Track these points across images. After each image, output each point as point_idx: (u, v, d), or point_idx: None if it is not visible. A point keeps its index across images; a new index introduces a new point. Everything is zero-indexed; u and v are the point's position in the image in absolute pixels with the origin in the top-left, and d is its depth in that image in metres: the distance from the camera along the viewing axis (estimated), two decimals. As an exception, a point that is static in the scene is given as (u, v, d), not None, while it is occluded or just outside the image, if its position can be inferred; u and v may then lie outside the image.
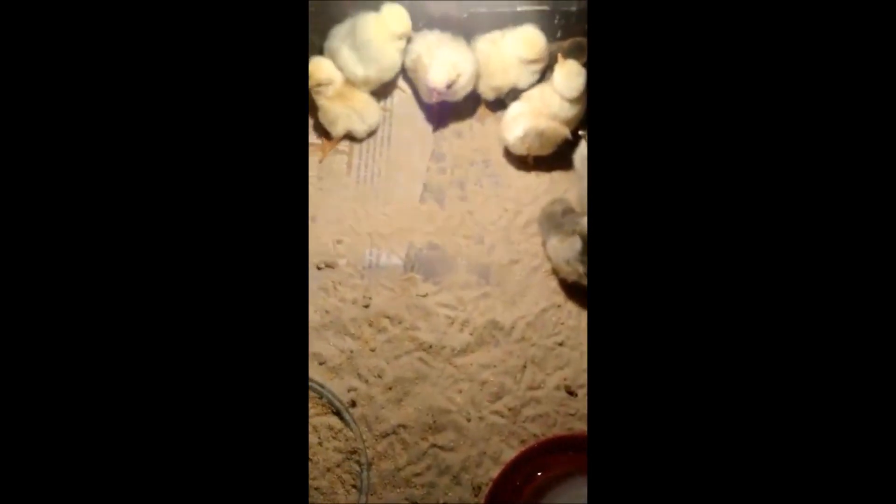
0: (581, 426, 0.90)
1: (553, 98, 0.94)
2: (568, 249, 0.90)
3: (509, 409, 0.91)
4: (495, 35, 0.98)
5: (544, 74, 0.99)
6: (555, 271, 0.96)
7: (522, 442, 0.88)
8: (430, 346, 0.94)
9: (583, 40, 0.97)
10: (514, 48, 0.96)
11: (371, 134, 1.05)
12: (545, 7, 0.95)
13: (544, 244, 0.96)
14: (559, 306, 0.97)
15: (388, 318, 0.95)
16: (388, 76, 1.02)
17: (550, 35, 1.00)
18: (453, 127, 1.08)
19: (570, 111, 0.95)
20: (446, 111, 1.06)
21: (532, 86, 0.99)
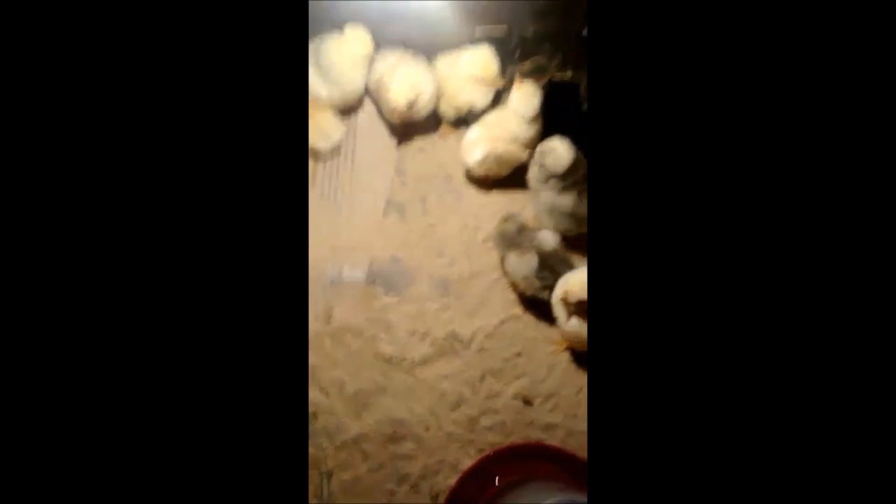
0: (537, 434, 0.93)
1: (510, 120, 0.98)
2: (525, 265, 0.94)
3: (467, 419, 0.93)
4: (454, 55, 1.02)
5: (501, 96, 1.03)
6: (513, 286, 0.99)
7: (480, 450, 0.91)
8: (391, 358, 0.96)
9: (541, 60, 1.01)
10: (470, 68, 1.00)
11: (334, 150, 1.08)
12: (502, 31, 0.99)
13: (502, 260, 0.99)
14: (517, 318, 1.00)
15: (349, 331, 0.97)
16: (351, 97, 1.06)
17: (509, 57, 1.04)
18: (416, 143, 1.11)
19: (527, 132, 0.99)
20: (409, 128, 1.09)
21: (489, 107, 1.03)
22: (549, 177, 0.95)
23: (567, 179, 0.94)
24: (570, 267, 0.94)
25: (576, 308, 0.86)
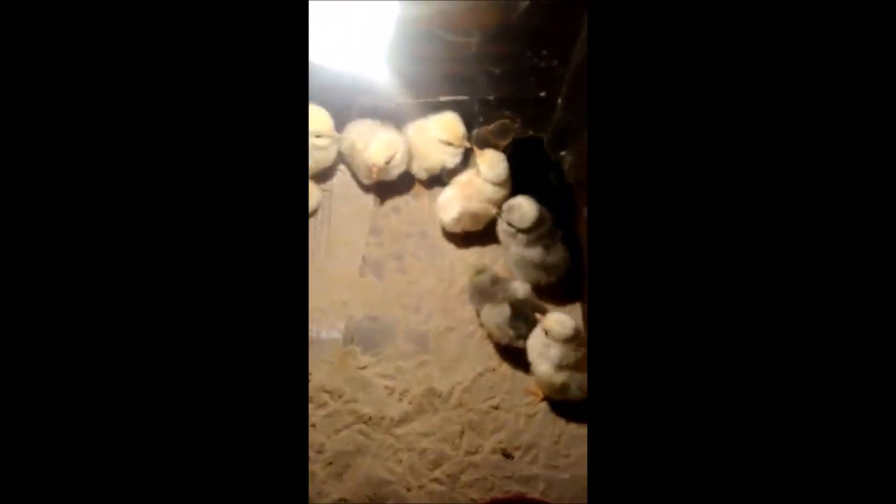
0: (517, 487, 0.93)
1: (481, 184, 1.04)
2: (498, 315, 0.97)
3: (448, 476, 0.93)
4: (421, 122, 1.08)
5: (469, 156, 1.09)
6: (490, 336, 1.01)
7: (462, 508, 0.91)
8: (370, 418, 0.97)
9: (507, 122, 1.07)
10: (437, 132, 1.06)
11: (312, 214, 1.12)
12: (465, 97, 1.06)
13: (478, 312, 1.02)
14: (494, 370, 1.02)
15: (327, 392, 0.98)
16: (323, 166, 1.12)
17: (473, 121, 1.10)
18: (391, 203, 1.16)
19: (497, 193, 1.05)
20: (384, 189, 1.14)
21: (459, 165, 1.08)
22: (517, 232, 0.99)
23: (532, 233, 0.99)
24: (542, 313, 0.97)
25: (559, 344, 0.88)
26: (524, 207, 0.99)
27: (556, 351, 0.86)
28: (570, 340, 0.85)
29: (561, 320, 0.86)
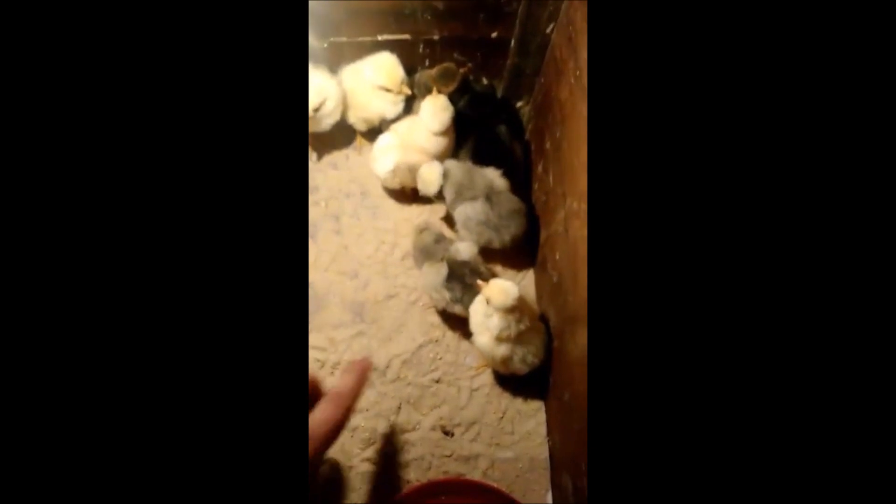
0: (457, 468, 0.86)
1: (421, 132, 0.92)
2: (436, 275, 0.87)
3: (381, 455, 0.86)
4: (358, 65, 0.96)
5: (411, 104, 0.97)
6: (429, 299, 0.92)
7: (395, 490, 0.84)
8: (298, 393, 0.88)
9: (451, 66, 0.95)
10: (373, 77, 0.93)
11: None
12: (406, 36, 0.93)
13: (414, 258, 0.93)
14: (437, 341, 0.94)
15: (249, 365, 0.89)
16: None
17: (418, 63, 0.98)
18: (328, 158, 1.05)
19: (438, 145, 0.93)
20: (319, 142, 1.02)
21: (402, 115, 0.97)
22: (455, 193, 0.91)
23: (466, 194, 0.90)
24: (483, 280, 0.88)
25: (500, 314, 0.79)
26: (424, 176, 0.91)
27: (496, 321, 0.77)
28: (512, 311, 0.76)
29: (504, 288, 0.77)
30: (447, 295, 0.86)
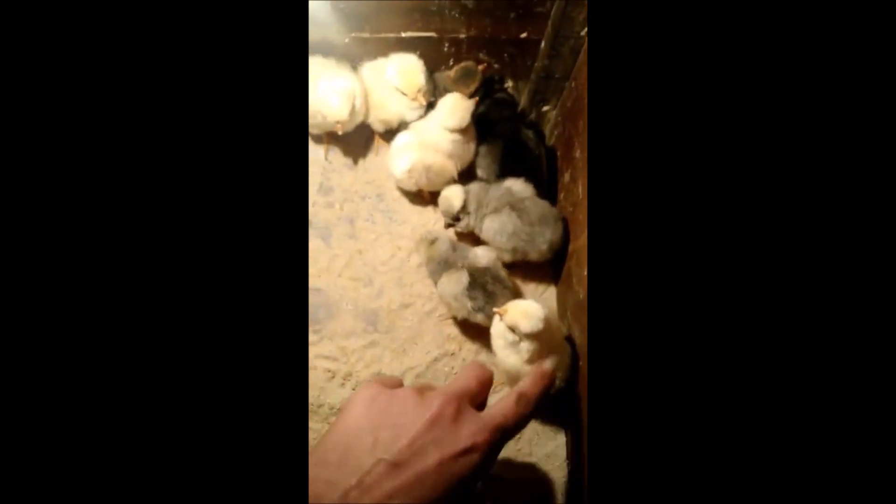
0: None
1: (439, 131, 0.88)
2: (456, 284, 0.83)
3: (392, 474, 0.82)
4: (380, 62, 0.91)
5: (432, 106, 0.93)
6: (448, 309, 0.88)
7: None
8: (308, 404, 0.84)
9: (471, 65, 0.91)
10: (393, 78, 0.89)
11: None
12: (431, 34, 0.89)
13: (431, 272, 0.88)
14: (452, 354, 0.90)
15: (256, 374, 0.85)
16: None
17: (442, 63, 0.94)
18: (344, 159, 1.01)
19: (457, 146, 0.89)
20: (336, 142, 0.98)
21: (421, 117, 0.92)
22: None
23: (487, 208, 0.87)
24: (505, 287, 0.84)
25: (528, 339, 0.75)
26: (447, 194, 0.89)
27: (526, 346, 0.73)
28: (541, 332, 0.72)
29: (527, 311, 0.72)
30: (469, 304, 0.82)
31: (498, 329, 0.77)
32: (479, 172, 0.93)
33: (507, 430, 0.52)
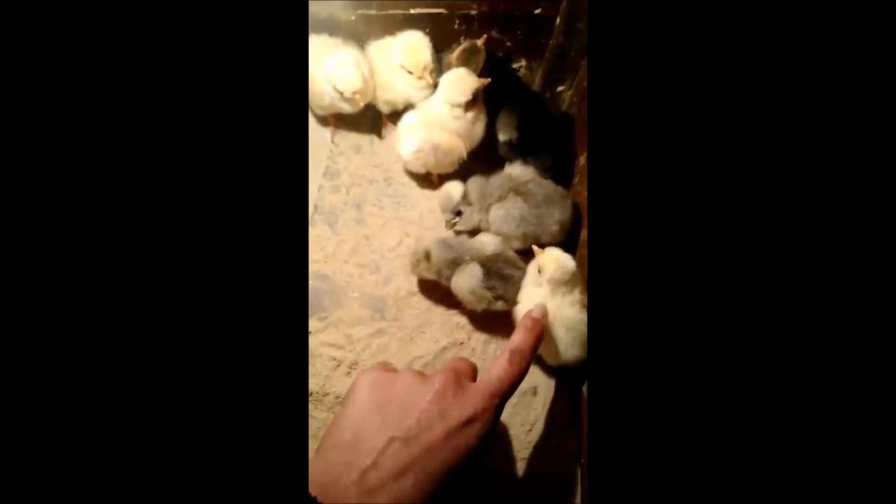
0: (480, 485, 0.80)
1: (446, 109, 0.84)
2: (470, 278, 0.81)
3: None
4: (386, 41, 0.88)
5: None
6: (466, 305, 0.85)
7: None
8: (312, 394, 0.82)
9: (475, 43, 0.87)
10: (398, 55, 0.85)
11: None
12: (441, 10, 0.85)
13: (446, 279, 0.85)
14: (461, 344, 0.87)
15: (260, 362, 0.83)
16: None
17: (452, 41, 0.90)
18: (350, 142, 0.98)
19: (464, 123, 0.84)
20: (342, 124, 0.95)
21: (427, 98, 0.89)
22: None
23: (491, 198, 0.84)
24: (518, 267, 0.81)
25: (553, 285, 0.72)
26: (450, 193, 0.86)
27: (544, 292, 0.72)
28: (564, 284, 0.71)
29: (559, 258, 0.71)
30: (489, 294, 0.80)
31: (527, 278, 0.77)
32: (501, 136, 0.89)
33: (505, 394, 0.54)
